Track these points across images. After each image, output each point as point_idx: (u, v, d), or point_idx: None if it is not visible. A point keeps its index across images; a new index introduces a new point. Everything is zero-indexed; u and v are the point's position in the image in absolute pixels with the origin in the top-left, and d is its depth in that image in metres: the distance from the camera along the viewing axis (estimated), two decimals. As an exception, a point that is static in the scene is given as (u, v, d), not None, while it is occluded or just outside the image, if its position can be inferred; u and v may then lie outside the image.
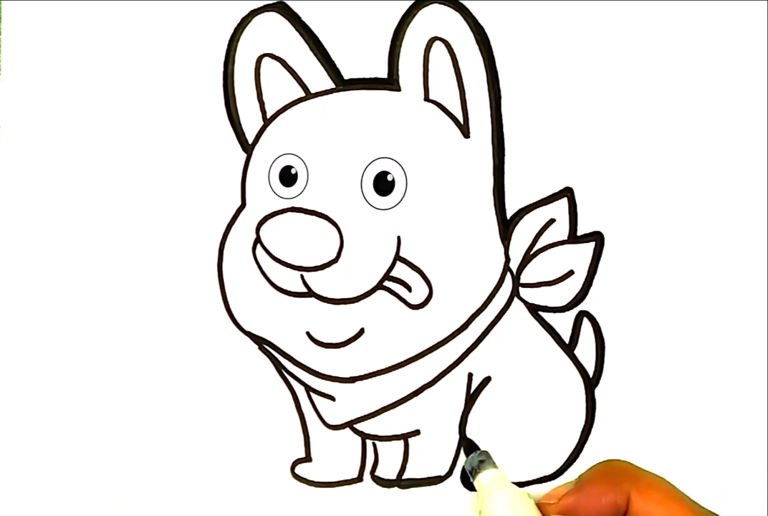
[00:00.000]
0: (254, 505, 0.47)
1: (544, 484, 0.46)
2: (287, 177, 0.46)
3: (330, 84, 0.47)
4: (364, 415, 0.46)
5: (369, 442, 0.47)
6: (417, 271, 0.46)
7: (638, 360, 0.46)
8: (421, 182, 0.46)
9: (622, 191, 0.46)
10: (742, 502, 0.46)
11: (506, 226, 0.46)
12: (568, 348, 0.46)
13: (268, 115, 0.47)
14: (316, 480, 0.47)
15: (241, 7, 0.47)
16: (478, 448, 0.45)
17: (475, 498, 0.43)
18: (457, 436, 0.46)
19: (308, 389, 0.47)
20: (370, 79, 0.46)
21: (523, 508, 0.37)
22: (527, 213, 0.46)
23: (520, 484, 0.46)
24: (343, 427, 0.47)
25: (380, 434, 0.47)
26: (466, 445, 0.46)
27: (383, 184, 0.46)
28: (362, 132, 0.46)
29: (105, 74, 0.47)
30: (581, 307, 0.46)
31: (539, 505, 0.36)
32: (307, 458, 0.47)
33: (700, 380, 0.46)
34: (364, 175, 0.46)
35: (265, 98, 0.47)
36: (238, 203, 0.47)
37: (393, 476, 0.47)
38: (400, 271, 0.46)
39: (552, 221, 0.46)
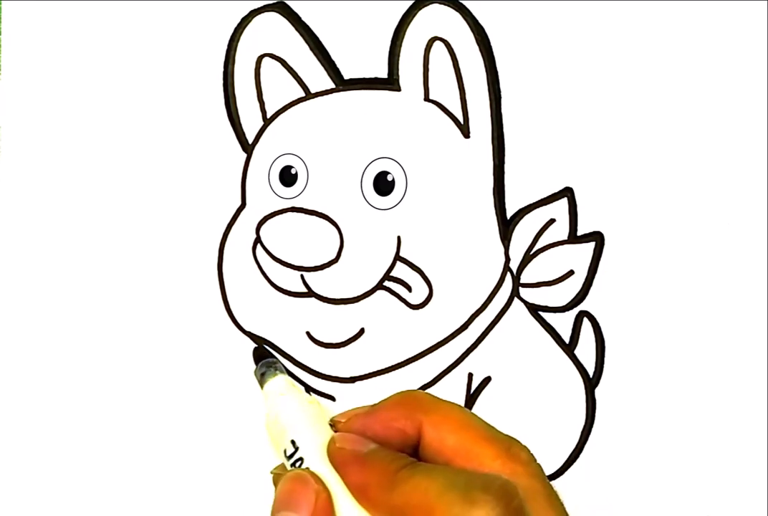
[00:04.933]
0: (254, 505, 0.47)
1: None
2: (287, 177, 0.46)
3: (330, 84, 0.47)
4: (364, 415, 0.46)
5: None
6: (417, 271, 0.46)
7: (638, 360, 0.46)
8: (421, 182, 0.46)
9: (622, 191, 0.46)
10: (742, 502, 0.46)
11: (506, 226, 0.46)
12: (568, 348, 0.46)
13: (268, 115, 0.47)
14: (316, 480, 0.47)
15: (241, 7, 0.47)
16: (268, 357, 0.40)
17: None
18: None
19: (308, 389, 0.47)
20: (370, 79, 0.46)
21: (306, 410, 0.34)
22: (527, 213, 0.46)
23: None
24: (343, 427, 0.47)
25: (380, 434, 0.47)
26: (256, 354, 0.45)
27: (383, 184, 0.46)
28: (362, 132, 0.46)
29: (105, 74, 0.47)
30: (581, 307, 0.46)
31: (332, 422, 0.34)
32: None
33: (700, 380, 0.46)
34: (364, 175, 0.46)
35: (265, 98, 0.47)
36: (238, 203, 0.47)
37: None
38: (400, 271, 0.46)
39: (552, 221, 0.46)
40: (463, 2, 0.46)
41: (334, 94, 0.47)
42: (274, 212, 0.46)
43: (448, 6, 0.46)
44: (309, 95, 0.47)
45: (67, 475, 0.47)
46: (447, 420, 0.31)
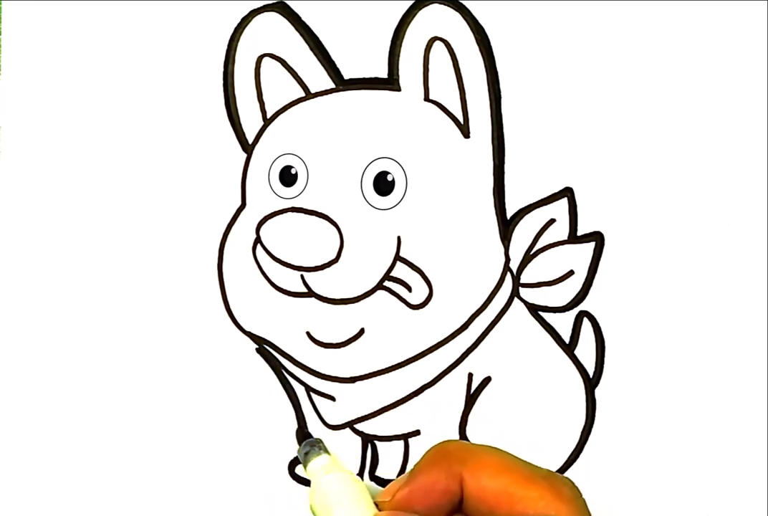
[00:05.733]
0: (253, 506, 0.47)
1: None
2: (287, 177, 0.46)
3: (330, 84, 0.47)
4: (364, 415, 0.46)
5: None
6: (417, 271, 0.46)
7: (638, 360, 0.46)
8: (421, 182, 0.46)
9: (622, 191, 0.46)
10: (742, 502, 0.46)
11: (506, 226, 0.46)
12: (568, 348, 0.46)
13: (268, 115, 0.47)
14: (316, 480, 0.47)
15: (241, 7, 0.47)
16: (311, 437, 0.43)
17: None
18: (457, 437, 0.46)
19: (308, 389, 0.47)
20: (370, 79, 0.46)
21: (350, 489, 0.34)
22: (527, 213, 0.46)
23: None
24: (343, 427, 0.47)
25: (380, 434, 0.47)
26: (300, 435, 0.45)
27: (383, 184, 0.46)
28: (362, 132, 0.46)
29: (105, 74, 0.47)
30: (581, 307, 0.46)
31: (377, 503, 0.34)
32: (307, 458, 0.47)
33: (700, 380, 0.46)
34: (364, 175, 0.46)
35: (265, 98, 0.47)
36: (238, 203, 0.47)
37: (393, 476, 0.47)
38: (400, 271, 0.46)
39: (552, 221, 0.46)
40: (463, 2, 0.46)
41: (334, 94, 0.47)
42: (274, 212, 0.46)
43: (448, 6, 0.46)
44: (309, 95, 0.47)
45: (66, 474, 0.47)
46: (485, 466, 0.31)
